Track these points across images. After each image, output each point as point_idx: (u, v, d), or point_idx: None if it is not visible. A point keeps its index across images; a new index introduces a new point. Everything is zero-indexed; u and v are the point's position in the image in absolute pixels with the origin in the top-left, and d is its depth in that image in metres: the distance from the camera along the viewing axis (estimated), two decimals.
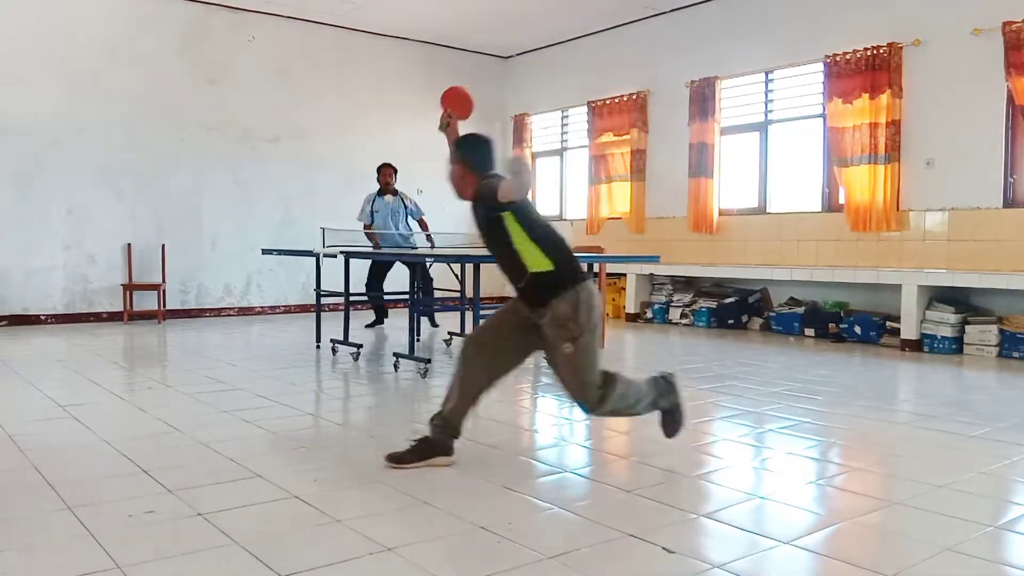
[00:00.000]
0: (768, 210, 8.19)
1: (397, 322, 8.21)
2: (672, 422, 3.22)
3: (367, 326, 7.84)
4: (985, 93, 6.52)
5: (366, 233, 7.73)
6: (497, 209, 2.89)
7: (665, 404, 3.17)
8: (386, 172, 7.81)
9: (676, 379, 3.24)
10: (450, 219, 10.65)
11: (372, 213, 7.74)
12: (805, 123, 7.90)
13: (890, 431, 3.78)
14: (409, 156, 10.27)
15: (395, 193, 7.83)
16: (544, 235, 2.97)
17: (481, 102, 12.83)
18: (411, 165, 10.29)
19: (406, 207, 7.85)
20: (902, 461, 3.24)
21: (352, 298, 6.52)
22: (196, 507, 2.54)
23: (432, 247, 7.54)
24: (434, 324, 7.96)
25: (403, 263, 7.60)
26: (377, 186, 7.84)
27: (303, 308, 9.45)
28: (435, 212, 10.44)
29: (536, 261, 2.92)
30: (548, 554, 2.18)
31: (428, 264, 7.26)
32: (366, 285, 7.83)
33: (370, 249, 7.20)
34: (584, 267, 3.44)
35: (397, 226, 7.74)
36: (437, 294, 8.16)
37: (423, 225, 7.94)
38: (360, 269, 9.57)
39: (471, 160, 3.09)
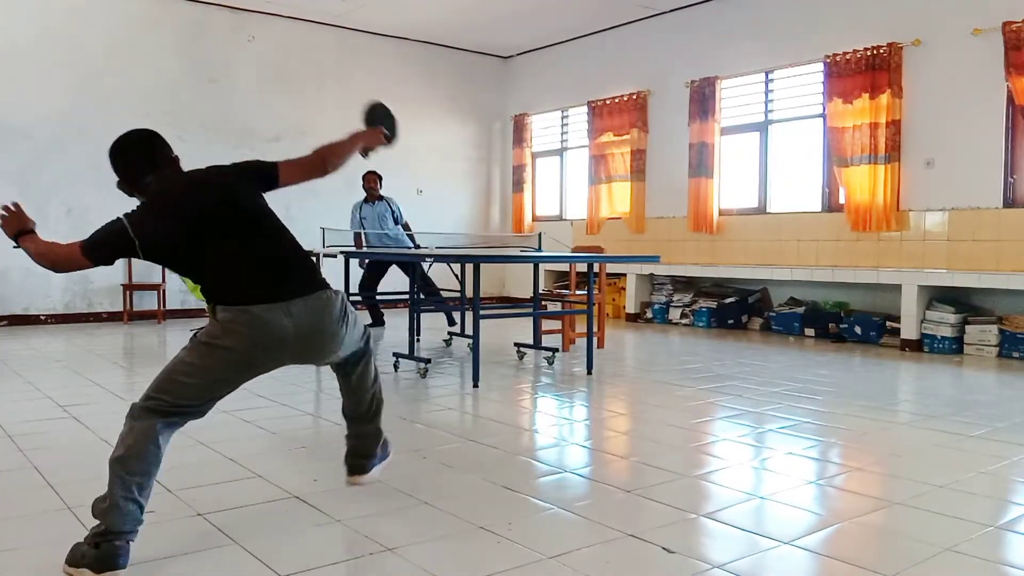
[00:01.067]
0: (768, 210, 8.19)
1: (398, 322, 8.21)
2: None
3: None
4: (985, 93, 6.52)
5: (355, 243, 7.78)
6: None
7: None
8: (371, 179, 7.85)
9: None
10: (450, 219, 10.68)
11: (361, 221, 7.82)
12: (805, 123, 7.90)
13: (890, 431, 3.77)
14: (409, 156, 10.27)
15: (380, 198, 7.88)
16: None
17: (481, 102, 12.91)
18: (411, 165, 10.31)
19: (392, 211, 7.89)
20: (902, 461, 3.24)
21: (351, 298, 6.53)
22: (196, 507, 2.54)
23: (416, 247, 7.53)
24: (452, 322, 7.62)
25: (398, 266, 7.62)
26: (363, 194, 7.90)
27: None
28: (435, 212, 10.47)
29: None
30: (548, 554, 2.18)
31: (429, 264, 7.26)
32: (361, 287, 7.82)
33: (370, 248, 7.18)
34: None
35: (387, 231, 7.80)
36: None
37: (406, 227, 8.01)
38: (360, 270, 9.59)
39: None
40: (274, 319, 2.21)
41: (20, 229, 2.34)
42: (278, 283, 2.28)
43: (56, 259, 2.32)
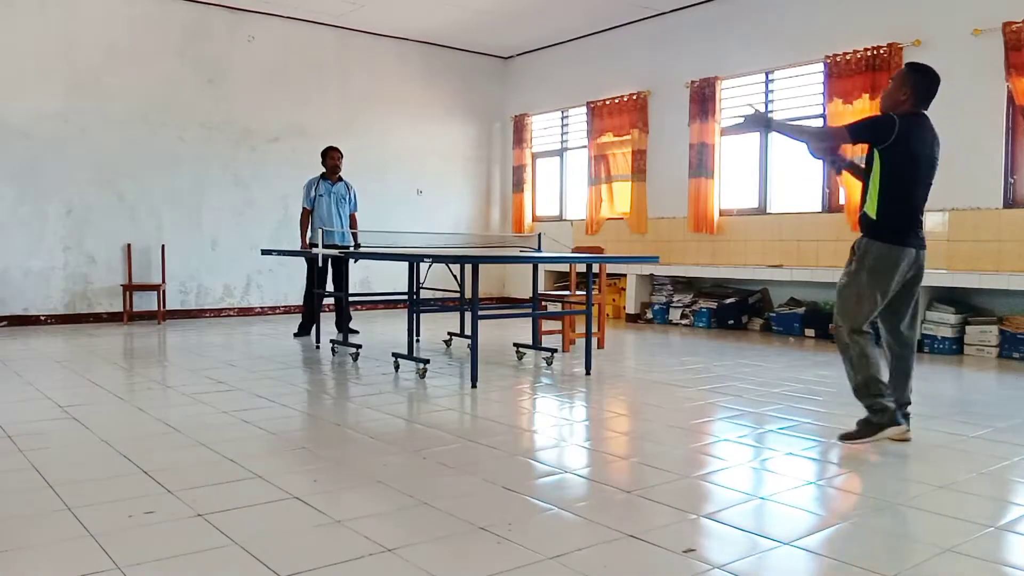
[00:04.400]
0: (768, 210, 8.19)
1: (397, 323, 8.21)
2: None
3: (295, 335, 7.17)
4: (985, 93, 6.52)
5: (302, 222, 7.21)
6: None
7: None
8: (334, 155, 7.30)
9: None
10: (450, 220, 10.68)
11: (315, 198, 7.21)
12: (805, 123, 7.89)
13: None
14: (409, 156, 10.30)
15: (341, 179, 7.35)
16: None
17: (481, 102, 12.94)
18: (411, 165, 10.33)
19: (350, 196, 7.38)
20: (902, 461, 3.24)
21: (351, 298, 6.51)
22: (196, 507, 2.54)
23: (356, 247, 6.96)
24: (352, 331, 7.21)
25: (332, 262, 7.05)
26: (320, 170, 7.34)
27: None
28: (435, 213, 10.48)
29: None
30: (548, 554, 2.18)
31: (428, 265, 7.20)
32: (314, 283, 7.03)
33: (369, 249, 7.03)
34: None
35: (341, 214, 7.28)
36: (436, 295, 8.16)
37: (353, 221, 7.44)
38: (360, 270, 9.61)
39: None
40: None
41: (761, 121, 3.52)
42: None
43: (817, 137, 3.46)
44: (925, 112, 3.47)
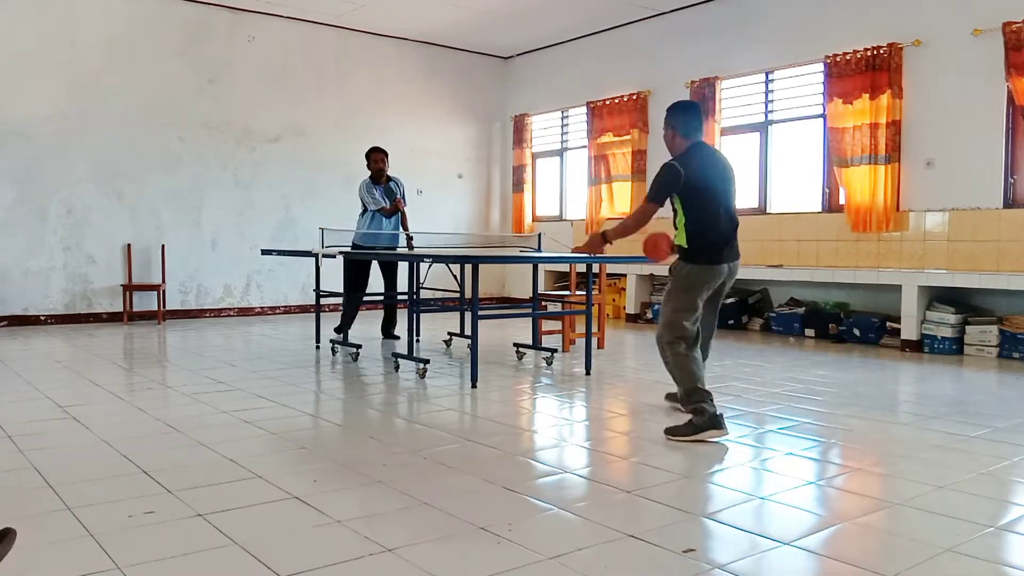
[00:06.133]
0: (768, 210, 8.19)
1: (397, 323, 8.20)
2: None
3: (336, 330, 6.79)
4: (985, 93, 6.52)
5: (387, 212, 6.79)
6: None
7: None
8: (379, 158, 6.85)
9: None
10: (449, 220, 10.68)
11: (381, 197, 6.82)
12: (805, 123, 7.90)
13: (890, 432, 3.77)
14: (409, 156, 10.29)
15: (390, 179, 6.95)
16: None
17: (481, 102, 12.90)
18: (411, 165, 10.31)
19: (402, 194, 6.99)
20: (902, 462, 3.24)
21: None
22: (196, 507, 2.54)
23: (409, 245, 6.94)
24: (395, 336, 7.17)
25: (380, 265, 7.00)
26: (368, 173, 6.91)
27: (303, 308, 9.45)
28: (435, 212, 10.47)
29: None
30: (548, 554, 2.18)
31: (428, 264, 7.20)
32: (351, 287, 6.87)
33: (366, 250, 6.92)
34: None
35: (394, 218, 6.93)
36: (436, 294, 8.16)
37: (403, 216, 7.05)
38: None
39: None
40: None
41: (599, 244, 3.91)
42: None
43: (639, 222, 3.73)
44: (701, 140, 3.84)
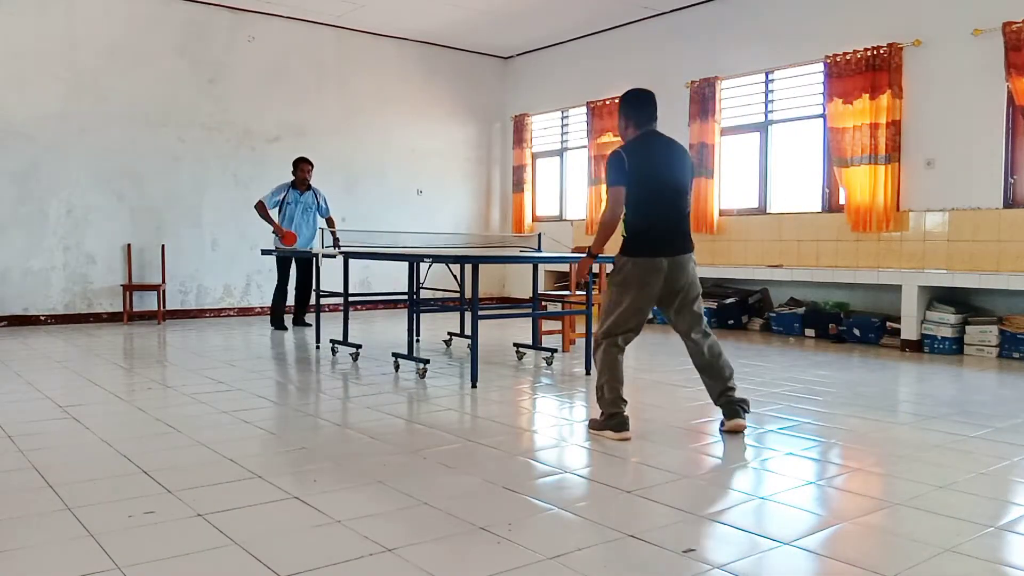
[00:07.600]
0: (768, 210, 8.19)
1: (397, 323, 8.20)
2: None
3: (278, 329, 7.79)
4: (985, 93, 6.52)
5: (262, 213, 7.64)
6: None
7: None
8: (305, 168, 7.79)
9: None
10: (449, 220, 10.68)
11: (284, 204, 7.70)
12: (805, 123, 7.90)
13: (890, 432, 3.77)
14: (409, 156, 10.30)
15: (310, 188, 7.83)
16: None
17: (481, 102, 12.89)
18: (411, 165, 10.33)
19: (319, 204, 7.85)
20: (902, 462, 3.24)
21: (351, 298, 6.52)
22: (196, 507, 2.54)
23: (338, 248, 7.17)
24: (306, 324, 8.04)
25: (296, 262, 7.74)
26: (291, 178, 7.81)
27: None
28: (435, 213, 10.48)
29: None
30: (548, 554, 2.18)
31: (428, 264, 7.19)
32: (286, 283, 7.83)
33: (365, 248, 7.02)
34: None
35: (310, 222, 7.79)
36: (436, 295, 8.16)
37: (331, 223, 7.86)
38: (360, 270, 9.60)
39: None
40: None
41: (589, 263, 3.87)
42: None
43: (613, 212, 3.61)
44: (654, 129, 3.73)
